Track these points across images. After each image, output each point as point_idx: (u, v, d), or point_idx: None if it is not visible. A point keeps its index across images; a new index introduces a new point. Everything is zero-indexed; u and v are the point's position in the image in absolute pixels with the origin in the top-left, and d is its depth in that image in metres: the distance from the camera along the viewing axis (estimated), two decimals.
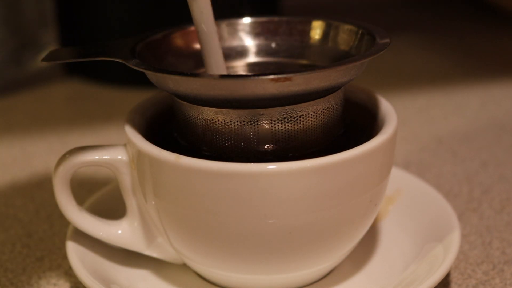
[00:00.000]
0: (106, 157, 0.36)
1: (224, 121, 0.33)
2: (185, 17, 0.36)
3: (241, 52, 0.39)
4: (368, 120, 0.37)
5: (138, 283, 0.37)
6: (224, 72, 0.36)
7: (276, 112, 0.33)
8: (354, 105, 0.38)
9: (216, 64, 0.36)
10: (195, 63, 0.39)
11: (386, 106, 0.37)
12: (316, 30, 0.39)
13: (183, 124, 0.35)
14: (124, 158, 0.35)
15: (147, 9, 0.62)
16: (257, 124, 0.33)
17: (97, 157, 0.36)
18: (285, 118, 0.33)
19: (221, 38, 0.39)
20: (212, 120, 0.34)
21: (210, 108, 0.34)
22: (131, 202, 0.37)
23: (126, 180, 0.36)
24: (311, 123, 0.34)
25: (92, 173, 0.46)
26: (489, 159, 0.50)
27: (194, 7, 0.35)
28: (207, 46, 0.35)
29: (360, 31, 0.37)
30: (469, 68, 0.67)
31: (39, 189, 0.48)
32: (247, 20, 0.40)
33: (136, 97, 0.42)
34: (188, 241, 0.35)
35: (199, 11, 0.35)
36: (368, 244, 0.39)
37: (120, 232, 0.37)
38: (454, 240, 0.36)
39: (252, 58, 0.40)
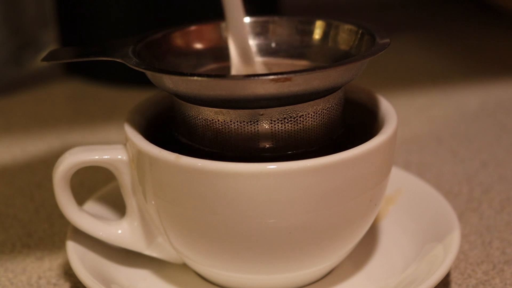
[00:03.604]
0: (106, 157, 0.36)
1: (224, 121, 0.33)
2: (185, 17, 0.36)
3: None
4: (368, 120, 0.37)
5: (138, 283, 0.37)
6: (253, 65, 0.36)
7: (276, 112, 0.33)
8: (354, 105, 0.38)
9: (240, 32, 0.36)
10: (195, 63, 0.39)
11: (386, 106, 0.37)
12: (316, 30, 0.39)
13: (183, 124, 0.35)
14: (124, 158, 0.35)
15: (147, 9, 0.62)
16: (257, 124, 0.33)
17: (97, 157, 0.36)
18: (285, 118, 0.33)
19: (221, 38, 0.39)
20: (212, 120, 0.34)
21: (210, 108, 0.34)
22: (131, 202, 0.37)
23: (126, 180, 0.36)
24: (311, 123, 0.34)
25: (92, 173, 0.46)
26: (489, 159, 0.50)
27: None
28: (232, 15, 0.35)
29: (360, 31, 0.37)
30: (469, 68, 0.67)
31: (39, 189, 0.48)
32: (247, 20, 0.40)
33: (136, 97, 0.42)
34: (188, 241, 0.35)
35: None
36: (368, 244, 0.39)
37: (120, 232, 0.37)
38: (454, 240, 0.36)
39: None
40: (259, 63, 0.38)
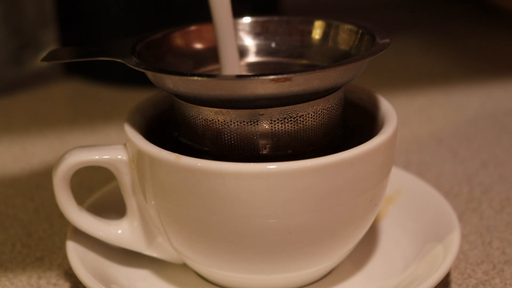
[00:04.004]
0: (106, 157, 0.36)
1: (224, 121, 0.33)
2: (185, 17, 0.36)
3: (241, 52, 0.39)
4: (368, 120, 0.37)
5: (138, 283, 0.37)
6: (238, 68, 0.36)
7: (276, 112, 0.33)
8: (354, 105, 0.38)
9: (230, 59, 0.36)
10: (195, 63, 0.39)
11: (386, 106, 0.37)
12: (316, 30, 0.39)
13: (183, 124, 0.35)
14: (124, 158, 0.35)
15: (147, 9, 0.62)
16: (257, 124, 0.33)
17: (97, 157, 0.36)
18: (285, 118, 0.33)
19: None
20: (212, 120, 0.34)
21: (210, 108, 0.34)
22: (131, 202, 0.37)
23: (126, 180, 0.36)
24: (311, 123, 0.34)
25: (92, 173, 0.46)
26: (489, 159, 0.50)
27: None
28: (223, 39, 0.35)
29: (360, 31, 0.37)
30: (469, 68, 0.67)
31: (39, 189, 0.48)
32: (247, 20, 0.40)
33: (136, 97, 0.42)
34: (188, 241, 0.35)
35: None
36: (368, 244, 0.39)
37: (120, 232, 0.37)
38: (454, 240, 0.36)
39: (252, 58, 0.40)
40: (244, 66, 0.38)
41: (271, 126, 0.33)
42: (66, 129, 0.57)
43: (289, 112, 0.33)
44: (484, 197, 0.46)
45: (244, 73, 0.39)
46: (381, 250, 0.39)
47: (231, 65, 0.37)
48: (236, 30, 0.39)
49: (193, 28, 0.39)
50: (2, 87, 0.64)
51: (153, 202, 0.35)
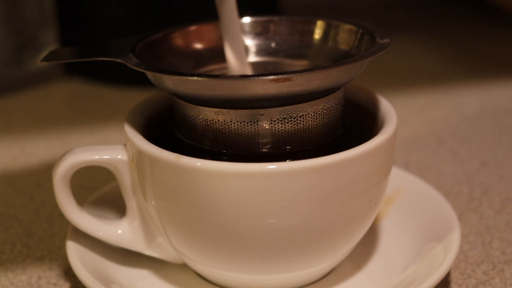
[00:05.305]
0: (106, 157, 0.36)
1: (224, 121, 0.33)
2: (185, 17, 0.36)
3: None
4: (368, 120, 0.37)
5: (138, 283, 0.37)
6: (246, 66, 0.36)
7: (276, 112, 0.33)
8: (354, 105, 0.38)
9: (237, 58, 0.36)
10: (195, 63, 0.39)
11: (386, 106, 0.37)
12: (316, 30, 0.39)
13: (183, 124, 0.35)
14: (124, 158, 0.35)
15: (147, 9, 0.62)
16: (257, 124, 0.33)
17: (97, 157, 0.36)
18: (285, 118, 0.33)
19: (221, 38, 0.39)
20: (212, 120, 0.34)
21: (210, 108, 0.34)
22: (131, 202, 0.37)
23: (126, 180, 0.36)
24: (311, 123, 0.34)
25: (92, 173, 0.46)
26: (489, 159, 0.50)
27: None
28: (232, 40, 0.35)
29: (360, 31, 0.37)
30: (469, 68, 0.67)
31: (39, 189, 0.48)
32: (247, 19, 0.40)
33: (136, 97, 0.42)
34: (188, 241, 0.35)
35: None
36: (368, 244, 0.39)
37: (120, 232, 0.37)
38: (454, 240, 0.36)
39: (252, 58, 0.40)
40: (249, 64, 0.38)
41: (271, 126, 0.33)
42: (66, 129, 0.57)
43: (289, 112, 0.33)
44: (484, 197, 0.46)
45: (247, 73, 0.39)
46: (381, 250, 0.39)
47: (238, 65, 0.36)
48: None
49: (193, 28, 0.39)
50: (2, 87, 0.64)
51: (153, 202, 0.35)
